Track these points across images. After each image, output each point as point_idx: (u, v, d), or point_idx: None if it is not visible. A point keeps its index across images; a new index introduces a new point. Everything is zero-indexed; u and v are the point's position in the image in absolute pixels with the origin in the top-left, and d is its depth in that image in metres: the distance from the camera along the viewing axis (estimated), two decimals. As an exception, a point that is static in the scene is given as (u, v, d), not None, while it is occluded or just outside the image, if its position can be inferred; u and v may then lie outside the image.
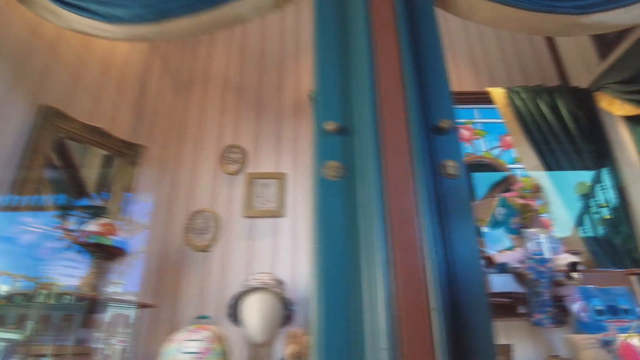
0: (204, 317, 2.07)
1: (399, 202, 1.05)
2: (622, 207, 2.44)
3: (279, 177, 2.87)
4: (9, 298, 1.82)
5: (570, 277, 1.72)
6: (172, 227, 2.78)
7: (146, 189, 2.78)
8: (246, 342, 2.41)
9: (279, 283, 2.18)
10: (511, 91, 2.89)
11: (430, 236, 1.03)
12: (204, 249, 2.69)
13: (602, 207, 2.49)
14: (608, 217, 2.46)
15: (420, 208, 1.05)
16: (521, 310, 1.72)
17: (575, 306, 1.60)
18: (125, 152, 2.69)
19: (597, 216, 2.49)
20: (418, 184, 1.10)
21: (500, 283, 1.75)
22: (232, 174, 2.89)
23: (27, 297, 1.81)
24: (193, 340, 1.77)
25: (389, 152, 1.10)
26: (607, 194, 2.53)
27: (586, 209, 2.55)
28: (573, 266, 1.72)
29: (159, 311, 2.52)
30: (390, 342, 0.87)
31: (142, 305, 2.29)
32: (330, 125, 1.16)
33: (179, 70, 3.26)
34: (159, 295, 2.57)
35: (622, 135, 2.71)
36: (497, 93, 2.92)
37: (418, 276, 0.95)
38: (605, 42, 3.04)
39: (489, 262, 2.00)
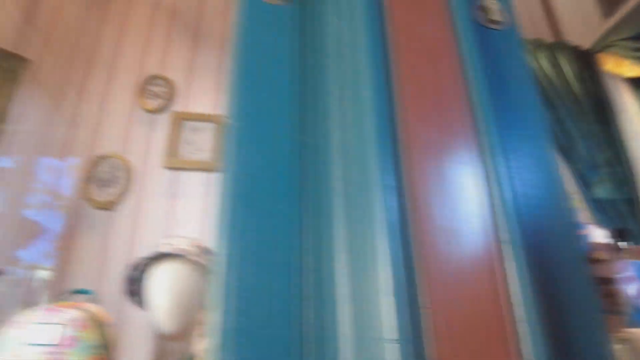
0: (82, 292, 1.40)
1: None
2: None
3: (217, 120, 2.21)
4: None
5: (617, 249, 1.25)
6: (65, 174, 2.06)
7: (29, 119, 2.04)
8: (153, 331, 1.78)
9: (203, 251, 1.52)
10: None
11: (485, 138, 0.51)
12: (108, 207, 2.00)
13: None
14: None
15: (471, 89, 0.55)
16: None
17: (632, 288, 1.13)
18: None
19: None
20: (461, 38, 0.59)
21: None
22: (152, 111, 2.19)
23: None
24: (47, 324, 1.10)
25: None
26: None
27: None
28: (620, 234, 1.25)
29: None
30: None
31: None
32: None
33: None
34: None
35: (628, 104, 2.33)
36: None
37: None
38: (608, 1, 2.68)
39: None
